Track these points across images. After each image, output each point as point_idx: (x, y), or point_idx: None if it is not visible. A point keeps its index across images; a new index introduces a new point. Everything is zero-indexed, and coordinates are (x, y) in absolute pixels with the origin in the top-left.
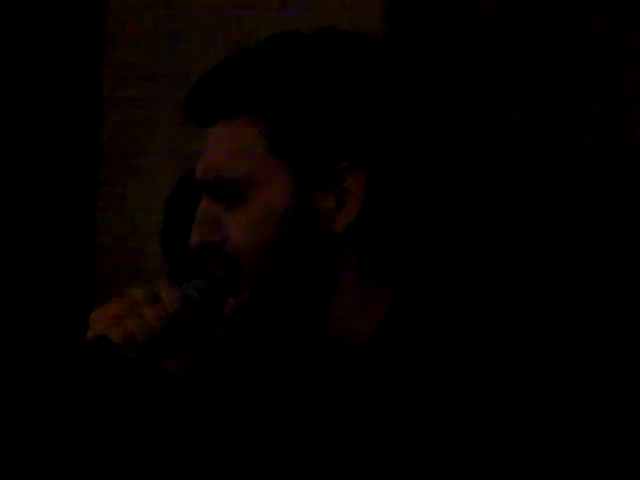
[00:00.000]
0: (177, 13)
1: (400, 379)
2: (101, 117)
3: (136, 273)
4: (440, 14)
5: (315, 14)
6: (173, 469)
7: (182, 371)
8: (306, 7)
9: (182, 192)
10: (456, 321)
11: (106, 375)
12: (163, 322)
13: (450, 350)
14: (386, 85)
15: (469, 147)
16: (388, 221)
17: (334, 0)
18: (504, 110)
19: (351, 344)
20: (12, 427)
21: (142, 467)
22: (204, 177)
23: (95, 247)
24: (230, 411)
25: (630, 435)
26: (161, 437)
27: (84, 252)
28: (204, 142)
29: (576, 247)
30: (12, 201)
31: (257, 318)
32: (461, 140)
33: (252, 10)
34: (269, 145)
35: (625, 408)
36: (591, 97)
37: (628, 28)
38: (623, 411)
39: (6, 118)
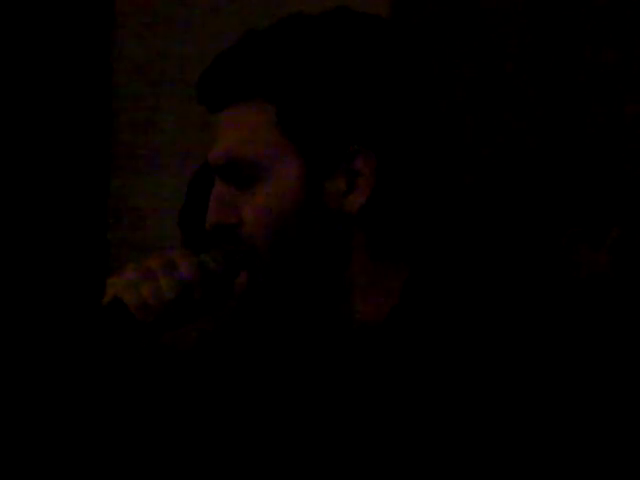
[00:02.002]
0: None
1: (414, 361)
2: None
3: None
4: (445, 18)
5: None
6: (179, 442)
7: (194, 339)
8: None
9: (205, 174)
10: (470, 304)
11: (119, 338)
12: (177, 289)
13: (464, 333)
14: (397, 67)
15: (475, 137)
16: (400, 203)
17: None
18: (508, 110)
19: (364, 325)
20: (27, 385)
21: (149, 435)
22: (217, 161)
23: (107, 213)
24: (240, 384)
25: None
26: (168, 406)
27: (97, 219)
28: (215, 129)
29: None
30: (29, 187)
31: (270, 298)
32: (468, 130)
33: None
34: (281, 128)
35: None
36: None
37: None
38: (634, 406)
39: (26, 113)
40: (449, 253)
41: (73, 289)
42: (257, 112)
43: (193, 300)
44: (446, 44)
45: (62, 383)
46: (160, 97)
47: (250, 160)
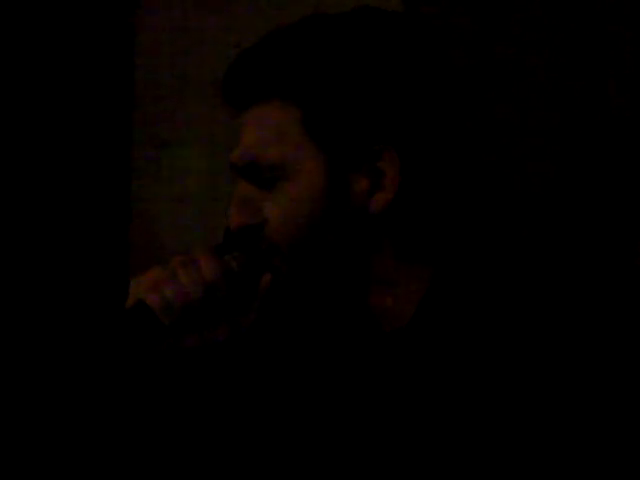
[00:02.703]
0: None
1: (437, 363)
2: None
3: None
4: (457, 15)
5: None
6: (202, 440)
7: (217, 340)
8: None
9: None
10: (494, 305)
11: (142, 339)
12: (200, 290)
13: (488, 336)
14: (421, 66)
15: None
16: (424, 202)
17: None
18: (521, 105)
19: (388, 326)
20: (48, 387)
21: (170, 436)
22: (239, 161)
23: (130, 215)
24: (264, 385)
25: None
26: (191, 407)
27: (119, 220)
28: (238, 127)
29: (612, 233)
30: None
31: (294, 298)
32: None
33: None
34: (304, 128)
35: None
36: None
37: None
38: None
39: (44, 120)
40: (474, 254)
41: (94, 292)
42: (281, 111)
43: (217, 301)
44: (458, 40)
45: (83, 385)
46: (184, 96)
47: (273, 160)
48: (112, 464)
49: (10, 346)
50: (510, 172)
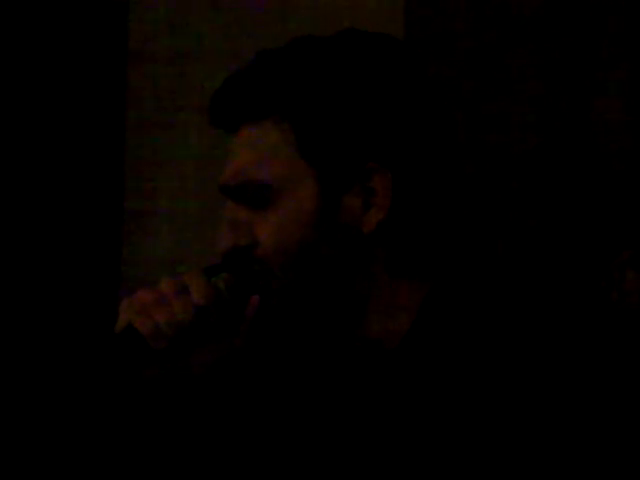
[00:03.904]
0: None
1: (430, 381)
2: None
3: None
4: (457, 32)
5: (335, 20)
6: (191, 464)
7: (207, 364)
8: (323, 13)
9: None
10: (488, 325)
11: (131, 365)
12: (190, 314)
13: (481, 354)
14: (410, 86)
15: (485, 150)
16: (417, 220)
17: (354, 9)
18: (517, 120)
19: (382, 345)
20: (39, 407)
21: (160, 459)
22: (231, 182)
23: (121, 237)
24: (253, 408)
25: None
26: (182, 431)
27: (110, 242)
28: (228, 149)
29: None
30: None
31: (286, 319)
32: (480, 143)
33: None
34: (296, 148)
35: None
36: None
37: None
38: None
39: (38, 127)
40: (467, 272)
41: (85, 311)
42: (272, 131)
43: (207, 324)
44: (456, 57)
45: (73, 408)
46: (178, 107)
47: (266, 180)
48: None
49: None
50: (493, 188)
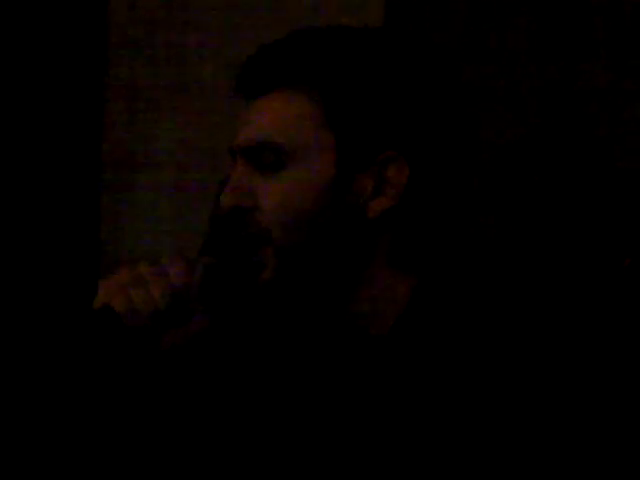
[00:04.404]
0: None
1: (417, 368)
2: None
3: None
4: (439, 23)
5: (314, 13)
6: (170, 446)
7: (180, 341)
8: (305, 7)
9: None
10: (477, 317)
11: (107, 343)
12: (168, 296)
13: (468, 344)
14: (440, 84)
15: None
16: (422, 215)
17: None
18: (505, 115)
19: (372, 331)
20: (14, 385)
21: (138, 438)
22: (248, 142)
23: (99, 217)
24: (239, 387)
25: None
26: (161, 409)
27: (89, 222)
28: (245, 115)
29: (599, 250)
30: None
31: (278, 294)
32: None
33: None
34: (322, 118)
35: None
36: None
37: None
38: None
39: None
40: (460, 266)
41: (64, 292)
42: (303, 99)
43: (183, 306)
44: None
45: (50, 385)
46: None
47: (283, 144)
48: (79, 463)
49: None
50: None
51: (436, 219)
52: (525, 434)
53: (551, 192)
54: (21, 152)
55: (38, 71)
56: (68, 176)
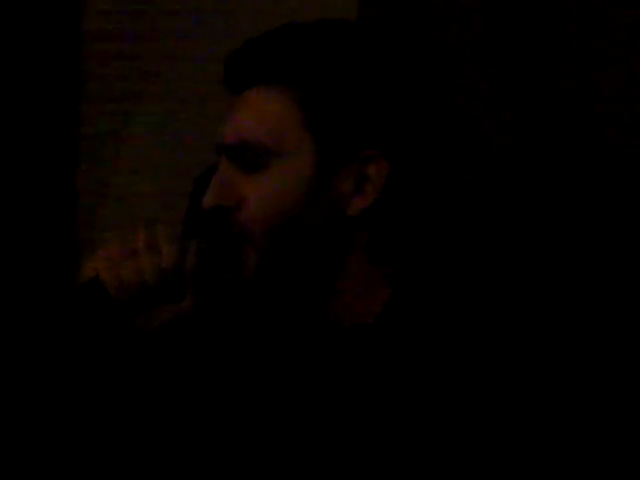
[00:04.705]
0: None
1: (399, 363)
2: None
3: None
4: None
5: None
6: (149, 430)
7: (164, 321)
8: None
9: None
10: (456, 309)
11: (93, 314)
12: (157, 274)
13: (449, 336)
14: (421, 81)
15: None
16: (402, 212)
17: None
18: (481, 106)
19: (353, 325)
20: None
21: (114, 420)
22: (230, 140)
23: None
24: (224, 379)
25: (626, 430)
26: (138, 395)
27: (64, 199)
28: (231, 107)
29: (573, 242)
30: None
31: (260, 289)
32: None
33: None
34: (303, 117)
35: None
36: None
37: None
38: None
39: None
40: (440, 262)
41: (40, 284)
42: (282, 97)
43: (173, 285)
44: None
45: (35, 360)
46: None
47: (265, 144)
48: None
49: None
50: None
51: (415, 215)
52: (505, 423)
53: (528, 188)
54: None
55: (9, 67)
56: (44, 172)
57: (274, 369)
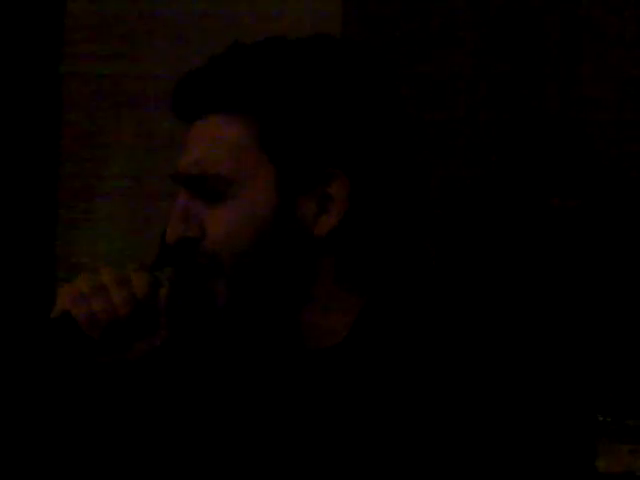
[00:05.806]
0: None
1: (365, 383)
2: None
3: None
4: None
5: None
6: (126, 460)
7: (142, 352)
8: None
9: None
10: (425, 328)
11: (65, 352)
12: (129, 306)
13: (418, 355)
14: (377, 95)
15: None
16: (369, 231)
17: None
18: (459, 115)
19: (321, 347)
20: None
21: (88, 451)
22: (187, 172)
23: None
24: (191, 402)
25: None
26: (113, 423)
27: (45, 232)
28: (185, 136)
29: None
30: None
31: (229, 316)
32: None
33: None
34: (258, 144)
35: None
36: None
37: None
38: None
39: None
40: (407, 283)
41: (19, 301)
42: (236, 125)
43: (144, 317)
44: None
45: (6, 395)
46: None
47: (225, 174)
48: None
49: None
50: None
51: (380, 234)
52: (475, 442)
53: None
54: None
55: None
56: (24, 181)
57: (247, 396)
